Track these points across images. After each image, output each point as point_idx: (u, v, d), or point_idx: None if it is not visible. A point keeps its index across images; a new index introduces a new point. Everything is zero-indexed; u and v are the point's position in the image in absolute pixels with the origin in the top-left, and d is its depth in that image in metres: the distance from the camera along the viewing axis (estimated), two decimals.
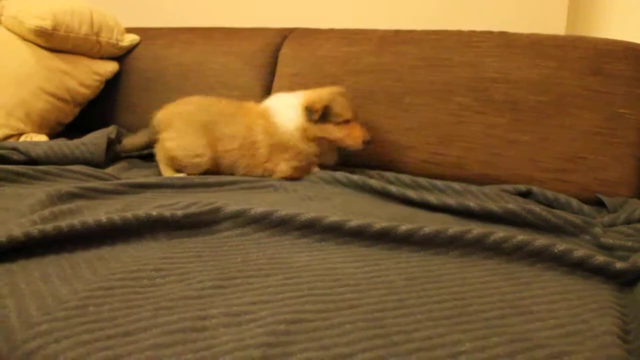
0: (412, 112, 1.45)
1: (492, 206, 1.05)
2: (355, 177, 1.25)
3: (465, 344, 0.59)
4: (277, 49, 1.74)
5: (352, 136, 1.34)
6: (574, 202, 1.18)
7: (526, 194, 1.25)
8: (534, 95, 1.35)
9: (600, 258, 0.82)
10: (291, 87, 1.60)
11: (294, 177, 1.34)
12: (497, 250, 0.86)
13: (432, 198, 1.11)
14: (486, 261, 0.85)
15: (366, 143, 1.34)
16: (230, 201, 0.99)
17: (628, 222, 1.06)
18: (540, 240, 0.85)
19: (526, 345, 0.60)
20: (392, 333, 0.61)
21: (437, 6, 1.91)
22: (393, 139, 1.46)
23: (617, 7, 1.77)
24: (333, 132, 1.34)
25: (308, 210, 0.94)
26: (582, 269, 0.83)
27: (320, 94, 1.35)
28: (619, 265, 0.82)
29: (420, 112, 1.44)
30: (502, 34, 1.46)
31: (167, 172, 1.39)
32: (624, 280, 0.82)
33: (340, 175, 1.28)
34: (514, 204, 1.06)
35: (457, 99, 1.41)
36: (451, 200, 1.09)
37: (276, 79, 1.69)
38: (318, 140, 1.35)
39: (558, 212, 1.05)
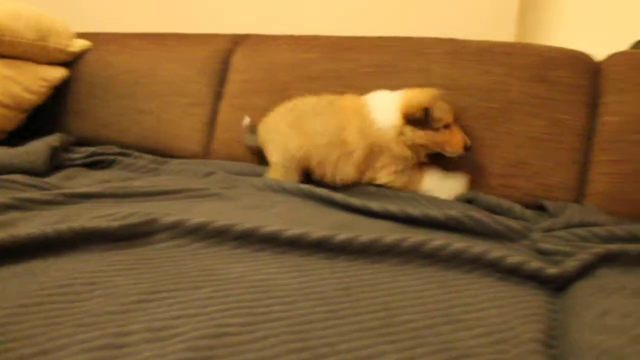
0: None
1: (434, 213, 1.06)
2: (303, 185, 1.24)
3: (390, 355, 0.59)
4: (229, 55, 1.73)
5: (452, 142, 1.29)
6: (517, 208, 1.20)
7: (470, 200, 1.26)
8: (483, 101, 1.36)
9: (533, 264, 0.83)
10: (243, 95, 1.60)
11: (400, 186, 1.32)
12: (434, 258, 0.86)
13: (374, 205, 1.11)
14: (423, 269, 0.85)
15: (467, 149, 1.30)
16: (171, 211, 0.98)
17: (567, 226, 1.07)
18: (477, 248, 0.86)
19: (451, 355, 0.60)
20: (318, 345, 0.61)
21: (388, 13, 1.92)
22: None
23: (565, 14, 1.80)
24: (432, 138, 1.29)
25: (249, 220, 0.93)
26: (517, 275, 0.84)
27: (418, 98, 1.29)
28: (551, 270, 0.83)
29: None
30: (452, 40, 1.48)
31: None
32: (557, 285, 0.83)
33: (288, 183, 1.27)
34: (455, 211, 1.07)
35: None
36: (394, 207, 1.09)
37: (227, 85, 1.68)
38: (414, 147, 1.31)
39: (499, 217, 1.07)
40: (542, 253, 0.98)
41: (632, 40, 1.97)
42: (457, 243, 0.87)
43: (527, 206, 1.23)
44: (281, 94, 1.55)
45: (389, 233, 0.91)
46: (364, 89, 1.44)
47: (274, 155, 1.40)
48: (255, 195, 1.23)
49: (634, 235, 1.02)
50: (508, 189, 1.32)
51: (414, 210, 1.07)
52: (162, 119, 1.72)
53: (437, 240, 0.87)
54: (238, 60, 1.68)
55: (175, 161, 1.55)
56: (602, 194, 1.26)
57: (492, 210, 1.21)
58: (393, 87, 1.42)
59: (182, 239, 0.89)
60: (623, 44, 1.95)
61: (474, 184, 1.35)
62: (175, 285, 0.73)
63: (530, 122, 1.32)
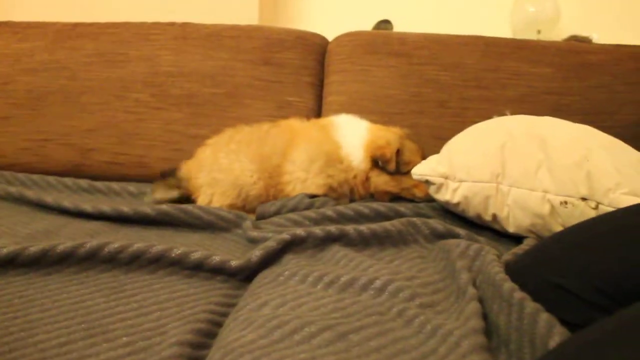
0: (90, 112, 1.37)
1: (146, 209, 1.02)
2: (12, 189, 1.14)
3: None
4: None
5: (422, 186, 1.09)
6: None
7: None
8: (208, 87, 1.34)
9: (216, 258, 0.82)
10: None
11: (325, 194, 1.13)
12: (114, 262, 0.81)
13: (87, 206, 1.05)
14: (102, 275, 0.79)
15: None
16: None
17: (278, 212, 1.09)
18: (158, 247, 0.82)
19: None
20: None
21: None
22: (74, 142, 1.36)
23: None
24: (400, 183, 1.11)
25: None
26: (204, 270, 0.82)
27: (387, 138, 1.11)
28: (234, 263, 0.82)
29: (99, 111, 1.36)
30: (182, 25, 1.43)
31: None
32: (243, 277, 0.82)
33: None
34: (168, 205, 1.04)
35: (134, 95, 1.35)
36: (106, 207, 1.03)
37: None
38: (377, 193, 1.14)
39: (211, 208, 1.05)
40: (251, 241, 0.97)
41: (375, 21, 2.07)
42: (138, 244, 0.82)
43: None
44: (1, 89, 1.40)
45: (88, 237, 0.85)
46: (88, 80, 1.36)
47: (220, 197, 1.16)
48: None
49: (340, 214, 1.05)
50: None
51: (126, 208, 1.02)
52: None
53: (115, 243, 0.82)
54: None
55: None
56: None
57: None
58: (120, 76, 1.35)
59: None
60: (368, 25, 2.04)
61: None
62: None
63: (258, 105, 1.32)
